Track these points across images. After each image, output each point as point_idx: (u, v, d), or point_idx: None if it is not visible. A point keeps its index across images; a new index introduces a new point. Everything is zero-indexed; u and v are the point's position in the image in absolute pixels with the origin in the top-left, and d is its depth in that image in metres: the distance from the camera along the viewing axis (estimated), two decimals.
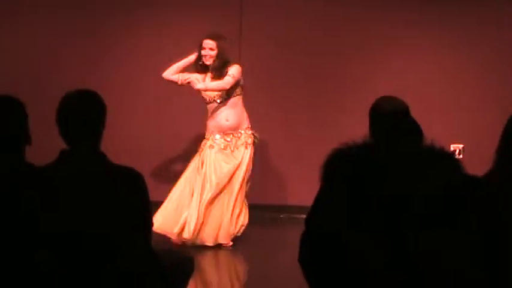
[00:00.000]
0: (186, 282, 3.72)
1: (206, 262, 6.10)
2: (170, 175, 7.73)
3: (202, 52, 6.30)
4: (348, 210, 2.17)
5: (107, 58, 7.91)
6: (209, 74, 6.36)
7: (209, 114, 6.44)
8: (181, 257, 3.73)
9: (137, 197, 3.03)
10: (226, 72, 6.23)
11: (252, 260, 6.32)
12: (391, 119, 3.09)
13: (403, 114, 3.42)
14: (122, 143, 7.53)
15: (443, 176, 2.01)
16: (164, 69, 6.47)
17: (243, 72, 6.38)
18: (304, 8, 7.69)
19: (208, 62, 6.30)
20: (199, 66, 6.35)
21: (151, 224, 3.13)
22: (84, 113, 3.03)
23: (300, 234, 2.51)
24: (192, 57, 6.42)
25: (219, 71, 6.25)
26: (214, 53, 6.27)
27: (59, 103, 3.06)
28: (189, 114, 7.41)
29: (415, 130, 2.96)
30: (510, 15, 7.48)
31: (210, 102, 6.39)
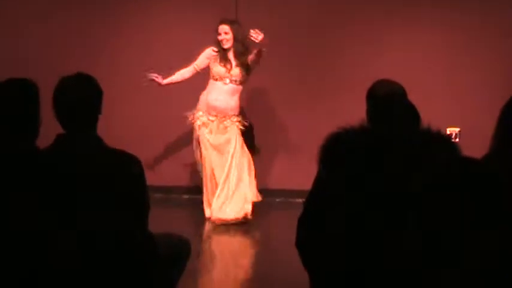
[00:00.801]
0: (183, 265, 3.73)
1: (206, 245, 6.15)
2: (168, 161, 7.76)
3: (219, 38, 6.65)
4: (345, 194, 2.17)
5: (105, 47, 7.90)
6: (231, 56, 6.63)
7: (208, 89, 6.68)
8: (178, 240, 3.74)
9: (134, 181, 3.03)
10: (247, 57, 6.57)
11: (251, 245, 6.36)
12: (388, 103, 3.08)
13: (399, 97, 3.41)
14: (123, 130, 7.55)
15: (440, 159, 2.02)
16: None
17: None
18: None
19: (227, 45, 6.61)
20: (221, 51, 6.64)
21: (149, 207, 3.13)
22: (80, 97, 3.02)
23: (297, 219, 2.52)
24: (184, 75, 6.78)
25: (243, 56, 6.60)
26: (229, 36, 6.64)
27: (54, 87, 3.06)
28: (186, 101, 7.44)
29: (412, 113, 2.96)
30: None
31: (218, 80, 6.64)
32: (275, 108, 7.71)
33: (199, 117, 6.68)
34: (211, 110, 6.65)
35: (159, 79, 6.70)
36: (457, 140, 7.32)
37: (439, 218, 2.01)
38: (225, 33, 6.61)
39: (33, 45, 7.89)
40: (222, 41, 6.61)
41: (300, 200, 6.54)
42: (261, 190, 6.87)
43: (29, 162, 2.97)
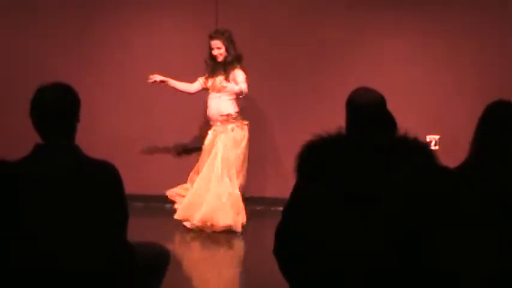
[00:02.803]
0: (162, 275, 3.70)
1: (187, 256, 6.13)
2: (149, 169, 7.73)
3: (213, 52, 6.72)
4: (320, 202, 2.17)
5: (87, 55, 7.88)
6: (223, 68, 6.70)
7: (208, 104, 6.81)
8: (157, 249, 3.71)
9: (112, 190, 3.02)
10: (233, 65, 6.66)
11: (233, 253, 6.36)
12: (366, 111, 3.08)
13: (378, 106, 3.41)
14: (104, 138, 7.53)
15: (414, 167, 2.02)
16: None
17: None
18: (280, 2, 7.68)
19: (220, 59, 6.69)
20: (212, 64, 6.74)
21: (127, 216, 3.11)
22: (58, 106, 3.00)
23: (275, 227, 2.52)
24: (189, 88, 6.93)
25: (229, 67, 6.67)
26: (222, 50, 6.66)
27: (32, 96, 3.04)
28: (173, 110, 7.45)
29: (389, 122, 2.96)
30: (491, 3, 7.50)
31: (212, 92, 6.74)
32: (258, 116, 7.70)
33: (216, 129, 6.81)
34: (215, 119, 6.79)
35: (166, 79, 6.83)
36: (437, 147, 7.35)
37: (409, 220, 2.01)
38: (218, 48, 6.67)
39: (13, 56, 7.85)
40: (216, 56, 6.69)
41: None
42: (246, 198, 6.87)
43: None
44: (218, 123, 6.76)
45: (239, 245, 6.54)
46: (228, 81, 6.68)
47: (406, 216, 1.99)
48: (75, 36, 7.85)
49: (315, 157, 2.22)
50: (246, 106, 7.29)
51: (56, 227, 2.88)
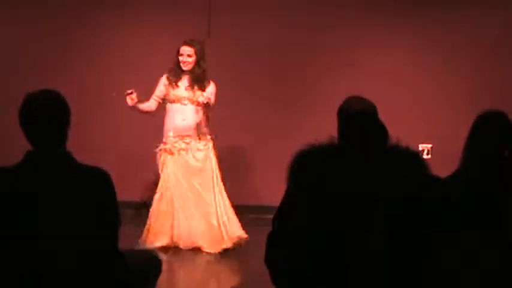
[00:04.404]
0: (153, 283, 3.70)
1: (177, 264, 6.10)
2: (138, 176, 7.72)
3: (180, 58, 6.40)
4: (311, 211, 2.17)
5: (71, 59, 7.86)
6: (185, 78, 6.41)
7: (167, 115, 6.48)
8: (149, 258, 3.71)
9: (105, 197, 3.01)
10: (206, 79, 6.38)
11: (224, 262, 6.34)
12: (358, 120, 3.08)
13: (370, 115, 3.41)
14: (94, 145, 7.51)
15: (405, 176, 2.02)
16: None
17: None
18: (273, 9, 7.70)
19: (187, 67, 6.39)
20: (177, 71, 6.42)
21: (119, 224, 3.10)
22: (48, 113, 2.98)
23: (266, 235, 2.51)
24: (151, 106, 6.52)
25: (199, 79, 6.37)
26: (192, 59, 6.38)
27: (21, 104, 3.02)
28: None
29: (381, 131, 2.97)
30: (481, 15, 7.54)
31: (173, 102, 6.43)
32: (248, 124, 7.71)
33: (174, 145, 6.46)
34: (182, 130, 6.45)
35: (134, 98, 6.38)
36: (429, 156, 7.37)
37: (398, 230, 2.01)
38: (189, 56, 6.38)
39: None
40: (184, 62, 6.38)
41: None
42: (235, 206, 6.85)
43: None
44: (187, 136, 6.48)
45: (232, 253, 6.51)
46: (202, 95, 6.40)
47: (398, 225, 1.99)
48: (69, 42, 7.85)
49: (307, 166, 2.22)
50: (239, 113, 7.30)
51: (47, 234, 2.87)
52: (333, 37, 7.64)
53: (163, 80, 6.52)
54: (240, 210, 7.03)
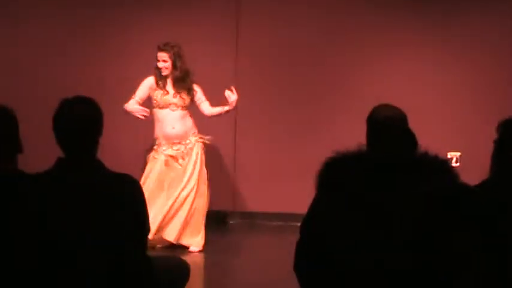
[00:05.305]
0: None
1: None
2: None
3: (158, 65, 6.49)
4: (342, 220, 2.17)
5: (102, 59, 7.88)
6: (169, 83, 6.48)
7: (156, 121, 6.53)
8: (177, 264, 3.73)
9: (135, 204, 3.03)
10: (191, 82, 6.46)
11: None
12: (389, 127, 3.09)
13: (400, 122, 3.41)
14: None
15: (436, 185, 2.02)
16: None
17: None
18: (300, 16, 7.69)
19: (165, 73, 6.47)
20: (160, 77, 6.49)
21: (148, 230, 3.13)
22: (83, 122, 3.01)
23: (296, 243, 2.52)
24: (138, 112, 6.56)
25: (182, 82, 6.44)
26: (168, 64, 6.46)
27: (55, 110, 3.05)
28: None
29: (410, 139, 2.97)
30: (507, 22, 7.49)
31: (162, 108, 6.47)
32: (266, 128, 7.70)
33: (163, 151, 6.52)
34: (173, 138, 6.50)
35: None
36: (458, 164, 7.31)
37: (431, 240, 2.01)
38: (164, 61, 6.45)
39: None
40: (161, 68, 6.47)
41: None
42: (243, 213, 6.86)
43: (13, 188, 2.98)
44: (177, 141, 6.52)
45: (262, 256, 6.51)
46: (187, 97, 6.49)
47: (428, 234, 1.99)
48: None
49: (336, 174, 2.22)
50: (264, 120, 7.29)
51: (76, 240, 2.90)
52: (361, 42, 7.61)
53: (149, 82, 6.56)
54: (264, 217, 7.07)
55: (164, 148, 6.48)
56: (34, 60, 7.83)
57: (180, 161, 6.49)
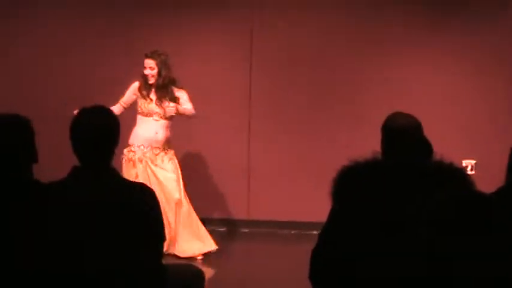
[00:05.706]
0: None
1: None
2: None
3: (145, 72, 6.48)
4: (358, 229, 2.17)
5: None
6: (153, 91, 6.48)
7: (138, 126, 6.53)
8: (192, 272, 3.73)
9: (151, 212, 3.04)
10: (171, 90, 6.44)
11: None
12: (404, 135, 3.07)
13: (415, 130, 3.40)
14: None
15: (451, 193, 2.02)
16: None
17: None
18: (313, 26, 7.69)
19: (151, 81, 6.46)
20: (146, 85, 6.48)
21: (164, 238, 3.13)
22: (99, 131, 3.02)
23: (311, 251, 2.52)
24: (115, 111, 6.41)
25: (163, 89, 6.43)
26: (155, 71, 6.44)
27: (72, 119, 3.07)
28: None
29: (425, 147, 2.96)
30: None
31: (146, 116, 6.50)
32: (280, 135, 7.70)
33: (145, 153, 6.50)
34: (154, 143, 6.49)
35: None
36: (473, 172, 7.29)
37: (446, 248, 2.00)
38: (151, 68, 6.46)
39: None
40: (147, 76, 6.47)
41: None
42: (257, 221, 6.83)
43: (27, 197, 2.99)
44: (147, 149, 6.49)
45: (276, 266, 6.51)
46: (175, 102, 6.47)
47: (444, 241, 1.98)
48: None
49: (352, 182, 2.22)
50: (279, 128, 7.26)
51: (92, 249, 2.91)
52: (375, 52, 7.60)
53: (135, 87, 6.57)
54: (278, 226, 7.05)
55: (145, 150, 6.46)
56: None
57: (159, 162, 6.49)
